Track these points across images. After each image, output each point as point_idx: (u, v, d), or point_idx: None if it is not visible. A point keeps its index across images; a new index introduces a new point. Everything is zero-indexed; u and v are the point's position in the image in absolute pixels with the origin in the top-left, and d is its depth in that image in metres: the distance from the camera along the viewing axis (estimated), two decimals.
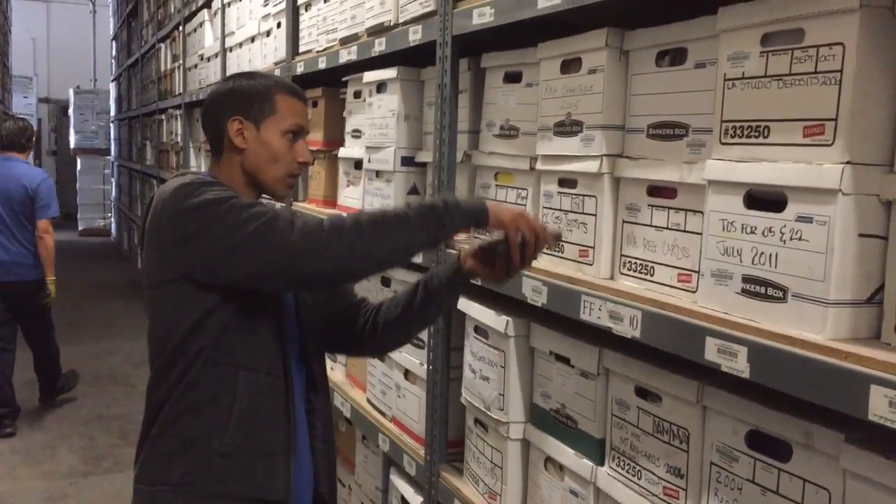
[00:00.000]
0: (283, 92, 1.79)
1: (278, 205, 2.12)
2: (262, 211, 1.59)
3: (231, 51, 5.12)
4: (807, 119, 1.32)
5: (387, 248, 1.58)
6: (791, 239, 1.33)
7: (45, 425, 5.25)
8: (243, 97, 1.78)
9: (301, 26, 3.75)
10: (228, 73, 5.15)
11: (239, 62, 4.91)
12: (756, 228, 1.40)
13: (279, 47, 4.02)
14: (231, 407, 1.69)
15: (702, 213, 1.54)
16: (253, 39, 4.60)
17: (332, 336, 1.98)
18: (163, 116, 7.86)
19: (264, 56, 4.37)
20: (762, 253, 1.38)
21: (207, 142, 1.86)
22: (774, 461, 1.40)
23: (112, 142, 14.26)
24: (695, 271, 1.57)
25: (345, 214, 1.61)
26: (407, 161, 2.72)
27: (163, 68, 7.96)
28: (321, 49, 3.43)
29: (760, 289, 1.39)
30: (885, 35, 1.26)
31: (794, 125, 1.34)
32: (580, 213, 1.87)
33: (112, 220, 14.40)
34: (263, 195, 1.86)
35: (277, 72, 3.99)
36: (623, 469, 1.76)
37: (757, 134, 1.42)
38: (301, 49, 3.74)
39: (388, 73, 2.75)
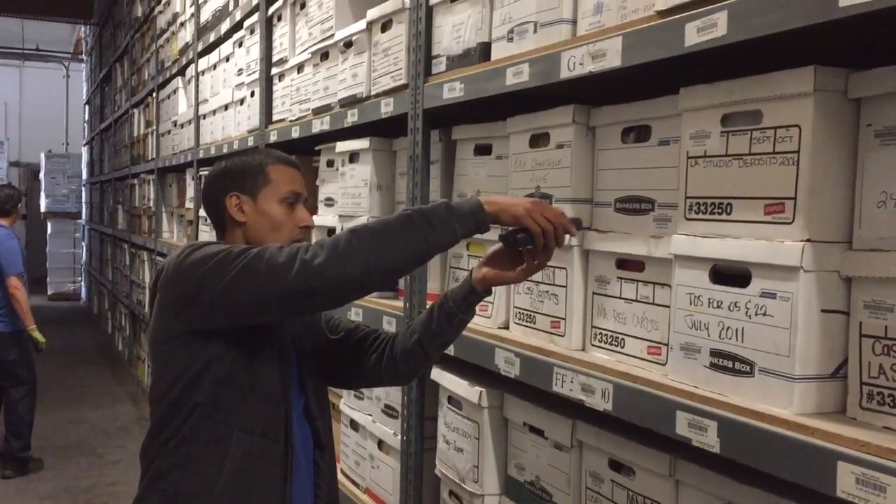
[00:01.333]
0: (274, 162, 1.85)
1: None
2: (254, 250, 1.61)
3: (205, 118, 5.17)
4: (767, 197, 1.36)
5: (384, 254, 1.54)
6: (756, 314, 1.36)
7: (6, 499, 5.11)
8: (237, 173, 1.84)
9: (274, 95, 3.80)
10: (202, 139, 5.19)
11: (213, 129, 4.95)
12: (722, 303, 1.42)
13: (253, 115, 4.06)
14: (221, 466, 1.67)
15: (669, 286, 1.56)
16: (227, 107, 4.65)
17: (346, 374, 1.96)
18: (135, 181, 7.86)
19: (238, 124, 4.41)
20: (729, 327, 1.41)
21: (210, 222, 1.91)
22: None
23: (83, 205, 14.20)
24: (664, 344, 1.59)
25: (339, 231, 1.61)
26: None
27: (136, 133, 7.99)
28: (294, 118, 3.47)
29: (728, 363, 1.41)
30: (839, 117, 1.30)
31: (755, 203, 1.38)
32: (551, 284, 1.89)
33: (82, 284, 14.25)
34: None
35: (251, 140, 4.02)
36: None
37: (720, 210, 1.45)
38: (274, 118, 3.78)
39: (361, 144, 2.79)
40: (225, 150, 4.53)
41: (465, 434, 2.16)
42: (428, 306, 1.89)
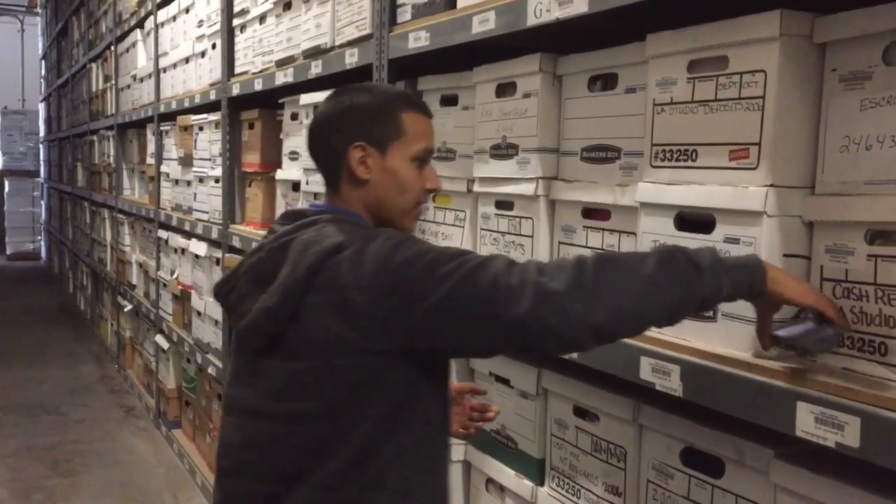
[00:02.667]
0: (410, 108, 1.49)
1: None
2: (474, 258, 1.28)
3: (165, 71, 5.06)
4: (732, 143, 1.36)
5: (642, 301, 1.19)
6: None
7: None
8: (365, 117, 1.46)
9: (236, 48, 3.72)
10: (163, 94, 5.09)
11: (173, 83, 4.85)
12: None
13: (214, 68, 3.99)
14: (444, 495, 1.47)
15: (635, 234, 1.57)
16: (188, 60, 4.55)
17: None
18: (94, 137, 7.70)
19: (199, 77, 4.33)
20: None
21: (319, 171, 1.55)
22: (708, 477, 1.43)
23: (41, 163, 13.90)
24: None
25: (590, 259, 1.23)
26: None
27: (94, 88, 7.80)
28: (257, 71, 3.41)
29: None
30: (804, 62, 1.31)
31: (720, 149, 1.38)
32: (517, 234, 1.89)
33: (42, 243, 14.00)
34: None
35: (213, 94, 3.95)
36: (563, 488, 1.77)
37: (686, 157, 1.45)
38: (237, 70, 3.71)
39: (325, 96, 2.74)
40: (186, 105, 4.45)
41: None
42: None
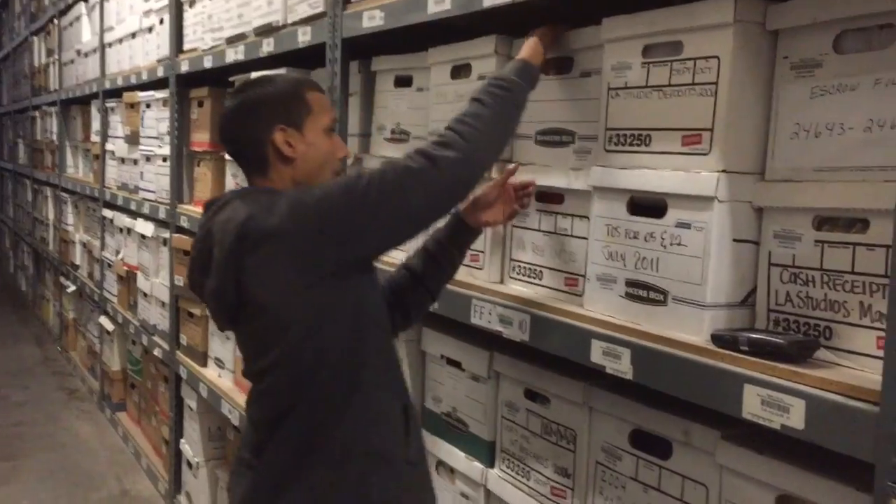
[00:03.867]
0: (310, 88, 1.65)
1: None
2: (377, 170, 1.48)
3: (111, 46, 4.93)
4: (685, 129, 1.37)
5: (505, 129, 1.56)
6: (671, 244, 1.38)
7: None
8: (278, 103, 1.60)
9: (185, 23, 3.64)
10: (108, 69, 4.96)
11: (119, 58, 4.73)
12: (638, 234, 1.44)
13: (162, 44, 3.90)
14: (404, 410, 1.59)
15: (588, 218, 1.58)
16: (134, 35, 4.44)
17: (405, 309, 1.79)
18: (37, 113, 7.48)
19: (146, 53, 4.23)
20: (644, 258, 1.43)
21: (242, 165, 1.66)
22: (656, 459, 1.45)
23: None
24: (581, 275, 1.60)
25: (454, 126, 1.50)
26: None
27: (36, 63, 7.58)
28: (207, 48, 3.34)
29: (643, 292, 1.43)
30: (757, 49, 1.32)
31: (673, 134, 1.39)
32: None
33: None
34: None
35: (161, 70, 3.87)
36: (513, 470, 1.78)
37: (639, 142, 1.46)
38: (186, 47, 3.63)
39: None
40: (133, 81, 4.34)
41: None
42: (417, 250, 1.80)
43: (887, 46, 1.17)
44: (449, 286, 1.86)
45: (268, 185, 1.61)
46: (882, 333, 1.14)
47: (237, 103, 1.65)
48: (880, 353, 1.14)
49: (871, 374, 1.13)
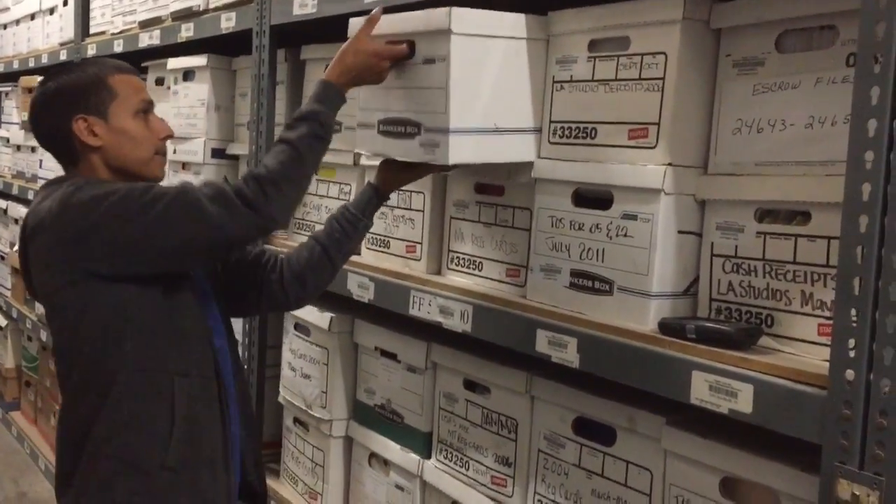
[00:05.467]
0: (113, 72, 1.64)
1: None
2: (163, 189, 1.50)
3: (6, 28, 4.68)
4: (632, 122, 1.40)
5: (301, 178, 1.55)
6: (617, 235, 1.41)
7: None
8: (76, 93, 1.60)
9: (92, 5, 3.49)
10: (3, 52, 4.71)
11: (16, 41, 4.49)
12: (584, 225, 1.47)
13: (66, 27, 3.73)
14: (172, 417, 1.53)
15: (529, 209, 1.59)
16: (33, 17, 4.23)
17: (247, 299, 1.77)
18: None
19: (47, 35, 4.04)
20: (590, 248, 1.46)
21: (56, 157, 1.68)
22: (600, 446, 1.48)
23: None
24: (523, 266, 1.62)
25: (285, 148, 1.52)
26: (218, 153, 2.61)
27: None
28: (117, 31, 3.21)
29: (588, 282, 1.46)
30: (702, 45, 1.36)
31: (619, 128, 1.42)
32: (407, 209, 1.87)
33: None
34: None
35: (64, 53, 3.69)
36: (450, 461, 1.78)
37: (584, 135, 1.49)
38: (92, 30, 3.49)
39: (198, 61, 2.62)
40: (32, 65, 4.14)
41: (313, 360, 2.13)
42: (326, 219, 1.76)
43: (828, 46, 1.22)
44: (384, 277, 1.85)
45: (80, 174, 1.62)
46: (823, 321, 1.20)
47: (37, 95, 1.66)
48: (822, 339, 1.19)
49: (814, 360, 1.19)
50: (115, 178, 1.61)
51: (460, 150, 1.48)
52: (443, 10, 1.47)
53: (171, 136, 1.71)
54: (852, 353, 1.06)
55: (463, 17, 1.47)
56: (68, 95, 1.60)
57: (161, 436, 1.53)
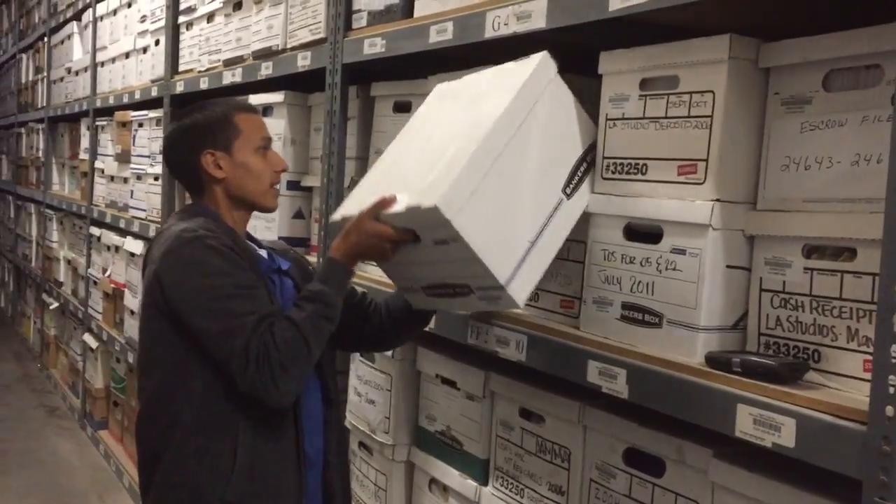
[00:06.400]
0: (238, 112, 1.81)
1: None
2: (244, 308, 1.61)
3: (102, 65, 4.97)
4: (681, 159, 1.44)
5: (305, 359, 1.63)
6: (666, 269, 1.44)
7: None
8: (205, 130, 1.78)
9: (181, 45, 3.69)
10: (100, 88, 5.00)
11: (111, 77, 4.77)
12: (635, 259, 1.50)
13: (157, 64, 3.94)
14: (234, 454, 1.65)
15: (584, 242, 1.63)
16: (128, 55, 4.49)
17: (350, 336, 1.86)
18: (23, 130, 7.48)
19: (140, 73, 4.27)
20: (640, 281, 1.49)
21: (184, 186, 1.90)
22: (649, 476, 1.50)
23: None
24: (577, 298, 1.66)
25: (293, 330, 1.61)
26: (293, 185, 2.73)
27: (24, 80, 7.59)
28: (203, 69, 3.39)
29: (638, 315, 1.49)
30: (750, 84, 1.39)
31: (669, 164, 1.46)
32: None
33: None
34: (255, 211, 1.89)
35: (155, 90, 3.91)
36: (506, 488, 1.82)
37: (636, 171, 1.52)
38: (181, 68, 3.68)
39: (275, 98, 2.75)
40: (125, 100, 4.38)
41: (378, 386, 2.20)
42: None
43: (874, 85, 1.24)
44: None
45: (205, 203, 1.81)
46: (868, 357, 1.20)
47: (171, 130, 1.86)
48: (866, 375, 1.19)
49: (857, 396, 1.19)
50: (234, 206, 1.80)
51: (523, 289, 1.51)
52: (431, 208, 1.44)
53: (285, 170, 1.88)
54: (892, 390, 1.06)
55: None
56: (199, 131, 1.79)
57: (223, 470, 1.64)
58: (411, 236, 1.57)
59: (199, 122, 1.80)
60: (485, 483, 1.89)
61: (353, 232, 1.63)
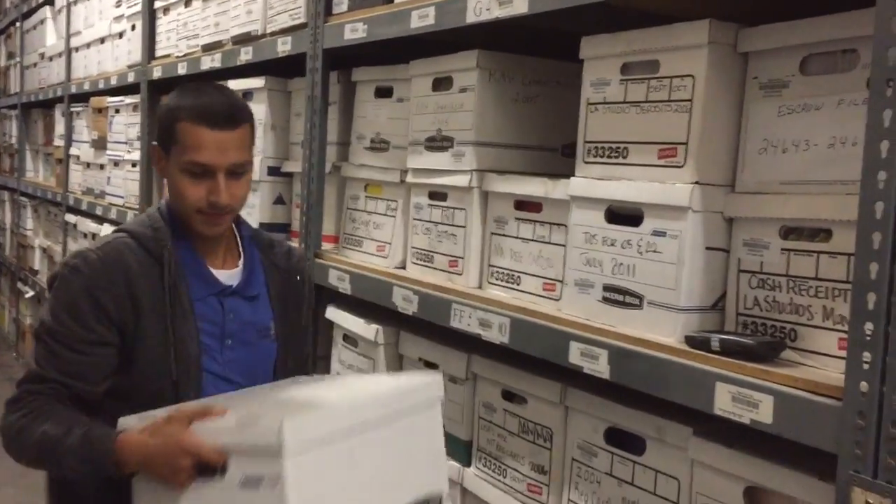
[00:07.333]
0: (187, 119, 1.55)
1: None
2: (29, 389, 1.55)
3: (77, 51, 4.91)
4: (661, 142, 1.46)
5: (38, 466, 1.56)
6: (647, 251, 1.46)
7: None
8: (160, 118, 1.64)
9: (158, 30, 3.66)
10: (74, 74, 4.95)
11: (87, 63, 4.72)
12: (615, 241, 1.52)
13: (134, 50, 3.91)
14: None
15: (565, 226, 1.65)
16: (103, 40, 4.44)
17: None
18: None
19: (116, 58, 4.23)
20: (621, 263, 1.51)
21: None
22: (630, 455, 1.52)
23: None
24: (559, 280, 1.68)
25: (23, 429, 1.51)
26: (273, 171, 2.73)
27: None
28: (181, 54, 3.37)
29: (619, 297, 1.51)
30: (729, 68, 1.41)
31: (650, 147, 1.48)
32: (450, 224, 1.95)
33: None
34: None
35: (132, 75, 3.88)
36: (489, 468, 1.84)
37: (617, 154, 1.54)
38: (158, 53, 3.66)
39: (255, 83, 2.75)
40: (101, 86, 4.35)
41: (360, 370, 2.21)
42: None
43: (850, 70, 1.26)
44: (429, 291, 1.93)
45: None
46: (843, 335, 1.23)
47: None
48: (841, 352, 1.23)
49: (833, 373, 1.22)
50: (176, 212, 1.65)
51: None
52: (271, 428, 1.25)
53: (217, 206, 1.57)
54: (867, 366, 1.09)
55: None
56: (158, 117, 1.67)
57: None
58: (221, 463, 1.30)
59: (162, 106, 1.69)
60: (468, 464, 1.91)
61: (158, 432, 1.37)
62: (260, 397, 1.56)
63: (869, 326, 1.09)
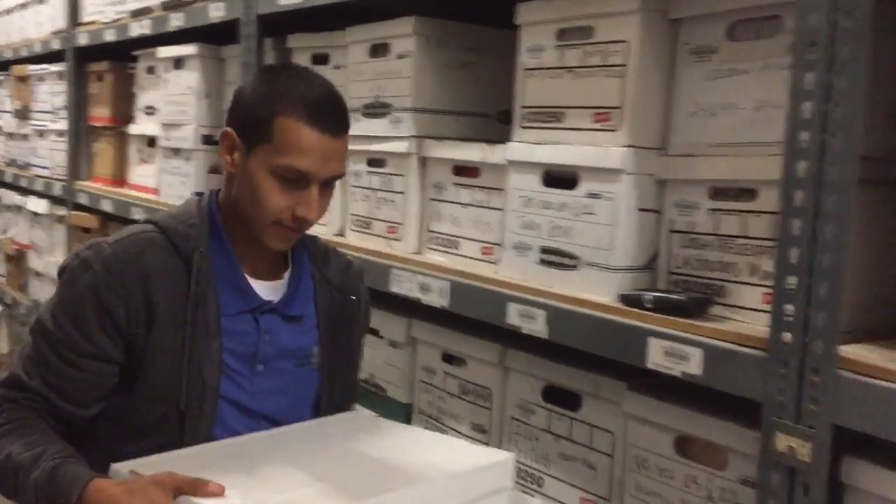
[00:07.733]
0: (291, 114, 1.29)
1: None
2: (16, 375, 1.32)
3: None
4: (596, 107, 1.49)
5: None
6: (582, 213, 1.50)
7: None
8: (244, 106, 1.34)
9: None
10: None
11: (7, 30, 4.55)
12: (552, 204, 1.56)
13: (57, 16, 3.79)
14: None
15: (503, 190, 1.68)
16: (24, 6, 4.28)
17: None
18: None
19: (38, 24, 4.09)
20: (558, 226, 1.55)
21: None
22: (567, 411, 1.57)
23: None
24: (497, 244, 1.71)
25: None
26: (207, 140, 2.69)
27: None
28: (108, 20, 3.28)
29: (556, 258, 1.55)
30: (661, 34, 1.45)
31: (585, 112, 1.51)
32: (389, 191, 1.96)
33: None
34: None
35: (56, 42, 3.76)
36: (429, 430, 1.87)
37: (553, 119, 1.58)
38: (84, 19, 3.55)
39: (188, 50, 2.70)
40: (24, 54, 4.20)
41: None
42: None
43: (774, 35, 1.31)
44: (368, 257, 1.94)
45: (224, 188, 1.40)
46: (767, 289, 1.29)
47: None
48: (766, 306, 1.28)
49: (758, 326, 1.28)
50: (232, 212, 1.38)
51: None
52: None
53: (304, 221, 1.33)
54: (790, 318, 1.15)
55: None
56: (240, 102, 1.36)
57: None
58: None
59: (247, 90, 1.36)
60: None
61: (138, 493, 1.11)
62: (288, 456, 1.23)
63: (792, 280, 1.15)
